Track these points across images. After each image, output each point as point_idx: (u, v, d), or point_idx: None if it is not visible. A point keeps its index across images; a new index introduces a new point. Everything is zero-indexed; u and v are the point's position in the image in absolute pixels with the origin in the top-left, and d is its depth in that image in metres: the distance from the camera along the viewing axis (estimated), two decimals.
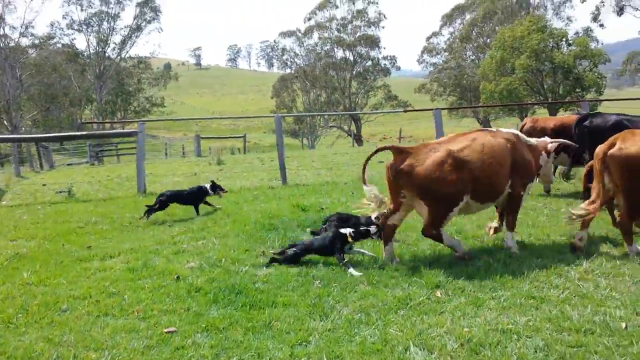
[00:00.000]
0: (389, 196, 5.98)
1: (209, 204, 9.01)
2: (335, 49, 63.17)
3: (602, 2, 36.78)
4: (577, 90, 39.80)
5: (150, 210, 8.58)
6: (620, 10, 35.82)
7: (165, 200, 8.71)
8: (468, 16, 61.64)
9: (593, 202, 5.90)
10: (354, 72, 62.23)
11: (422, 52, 66.75)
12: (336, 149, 35.11)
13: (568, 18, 58.21)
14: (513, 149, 6.00)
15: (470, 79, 56.94)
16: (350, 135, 53.22)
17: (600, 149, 5.91)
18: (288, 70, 69.62)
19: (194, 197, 8.87)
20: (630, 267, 5.36)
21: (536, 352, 3.75)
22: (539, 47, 37.70)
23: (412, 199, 5.78)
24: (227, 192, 9.64)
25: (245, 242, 6.79)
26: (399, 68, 68.71)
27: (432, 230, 5.73)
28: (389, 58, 65.06)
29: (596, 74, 39.26)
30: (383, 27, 62.81)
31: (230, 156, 27.59)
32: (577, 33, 48.29)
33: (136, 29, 60.54)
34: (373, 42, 62.52)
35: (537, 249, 6.13)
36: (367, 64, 63.58)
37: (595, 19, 37.58)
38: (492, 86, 40.80)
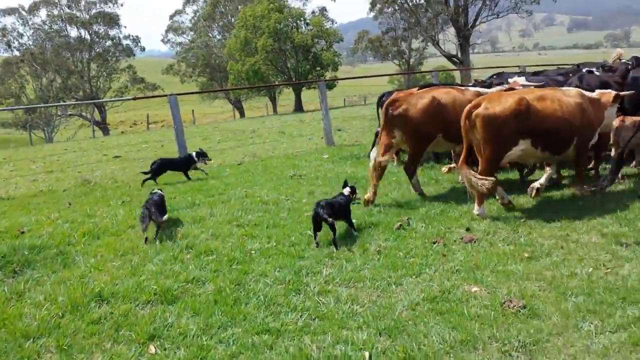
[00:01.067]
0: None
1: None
2: (69, 28, 56.64)
3: None
4: (317, 68, 42.31)
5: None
6: None
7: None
8: None
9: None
10: (93, 54, 56.61)
11: (167, 31, 64.00)
12: (73, 143, 31.20)
13: None
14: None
15: (219, 59, 56.47)
16: (93, 124, 48.17)
17: (467, 109, 6.44)
18: (16, 53, 60.20)
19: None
20: (371, 268, 4.96)
21: None
22: (278, 27, 38.79)
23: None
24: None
25: None
26: (143, 49, 64.55)
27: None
28: (131, 38, 60.73)
29: (332, 53, 42.09)
30: (122, 5, 58.12)
31: None
32: (313, 12, 51.38)
33: None
34: (112, 20, 57.64)
35: (275, 256, 5.40)
36: (107, 44, 58.52)
37: None
38: (238, 66, 40.83)
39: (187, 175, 9.74)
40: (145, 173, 9.64)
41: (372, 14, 57.61)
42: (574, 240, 5.30)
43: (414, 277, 4.74)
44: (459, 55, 40.22)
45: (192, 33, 62.60)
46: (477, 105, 6.35)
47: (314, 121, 22.62)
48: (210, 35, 61.00)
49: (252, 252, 5.55)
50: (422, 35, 44.89)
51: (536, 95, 6.46)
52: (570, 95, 6.59)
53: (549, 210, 6.34)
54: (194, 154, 9.86)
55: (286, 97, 56.13)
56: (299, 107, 43.63)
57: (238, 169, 10.63)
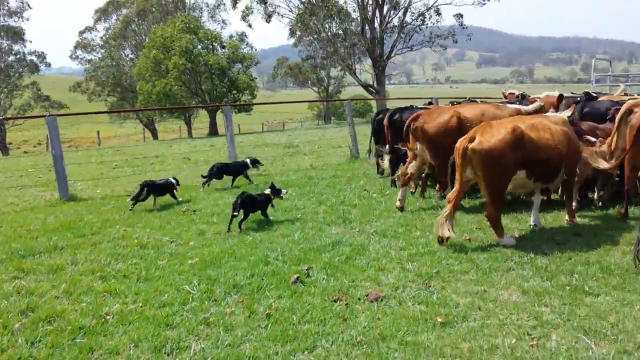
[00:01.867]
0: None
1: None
2: None
3: (251, 8, 38.69)
4: (234, 92, 41.22)
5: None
6: (268, 17, 38.33)
7: None
8: (125, 11, 58.53)
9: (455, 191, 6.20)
10: None
11: (76, 48, 60.61)
12: None
13: (223, 21, 60.58)
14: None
15: (130, 78, 54.01)
16: None
17: (460, 143, 6.08)
18: None
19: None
20: (255, 339, 3.98)
21: None
22: (189, 48, 37.46)
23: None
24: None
25: None
26: (49, 65, 60.86)
27: None
28: (37, 53, 57.01)
29: (249, 77, 41.22)
30: (28, 19, 54.46)
31: None
32: (232, 36, 50.46)
33: None
34: (16, 35, 53.92)
35: (137, 322, 4.29)
36: (10, 59, 54.58)
37: (244, 18, 39.20)
38: (149, 87, 38.93)
39: (247, 178, 10.65)
40: (204, 177, 10.28)
41: (292, 41, 57.71)
42: (493, 298, 4.59)
43: (306, 352, 3.81)
44: (375, 85, 40.61)
45: (102, 50, 59.76)
46: (471, 140, 6.00)
47: (225, 146, 21.49)
48: (123, 53, 58.51)
49: (108, 316, 4.41)
50: (340, 64, 45.02)
51: (528, 124, 6.26)
52: (557, 122, 6.52)
53: (464, 257, 5.66)
54: (248, 160, 10.67)
55: (203, 119, 54.54)
56: (213, 131, 42.19)
57: (124, 201, 9.34)
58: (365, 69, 43.60)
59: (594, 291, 4.61)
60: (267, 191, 7.61)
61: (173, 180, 9.19)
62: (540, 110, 8.17)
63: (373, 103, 45.54)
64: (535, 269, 5.21)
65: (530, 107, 8.36)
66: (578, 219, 6.92)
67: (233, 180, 10.52)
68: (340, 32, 40.47)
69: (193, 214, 8.26)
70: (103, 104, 55.66)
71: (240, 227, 7.10)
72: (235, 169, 10.59)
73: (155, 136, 52.39)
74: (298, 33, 52.32)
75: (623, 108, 7.30)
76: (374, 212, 7.85)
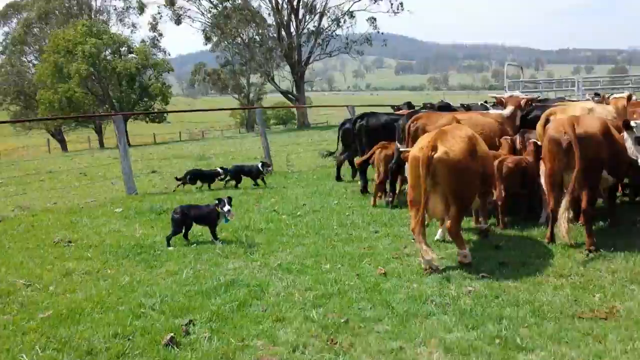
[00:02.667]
0: None
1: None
2: None
3: (160, 13, 36.83)
4: (145, 99, 39.07)
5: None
6: (178, 19, 36.61)
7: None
8: (26, 15, 54.44)
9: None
10: None
11: None
12: None
13: (133, 25, 57.70)
14: None
15: (33, 86, 50.14)
16: None
17: (422, 153, 5.39)
18: None
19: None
20: None
21: None
22: (93, 52, 35.04)
23: None
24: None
25: None
26: None
27: None
28: None
29: (161, 83, 39.23)
30: None
31: None
32: (143, 41, 47.97)
33: None
34: None
35: None
36: None
37: (154, 28, 37.29)
38: (50, 94, 36.05)
39: (256, 183, 10.93)
40: (221, 179, 10.99)
41: (208, 46, 55.90)
42: (412, 358, 3.74)
43: None
44: (295, 92, 39.86)
45: (2, 56, 55.30)
46: (434, 149, 5.40)
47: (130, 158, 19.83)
48: (25, 59, 54.41)
49: None
50: (257, 70, 43.92)
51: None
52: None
53: (377, 298, 4.81)
54: (259, 164, 10.95)
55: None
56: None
57: None
58: (284, 76, 42.79)
59: (527, 345, 3.85)
60: (213, 203, 6.87)
61: (220, 170, 10.86)
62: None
63: (298, 110, 44.75)
64: (459, 313, 4.42)
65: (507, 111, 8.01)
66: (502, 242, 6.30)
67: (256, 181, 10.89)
68: (257, 37, 39.39)
69: (66, 246, 6.95)
70: (5, 112, 51.41)
71: (168, 241, 6.72)
72: (250, 173, 10.94)
73: (64, 147, 48.90)
74: (215, 38, 50.74)
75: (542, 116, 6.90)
76: (282, 239, 6.89)
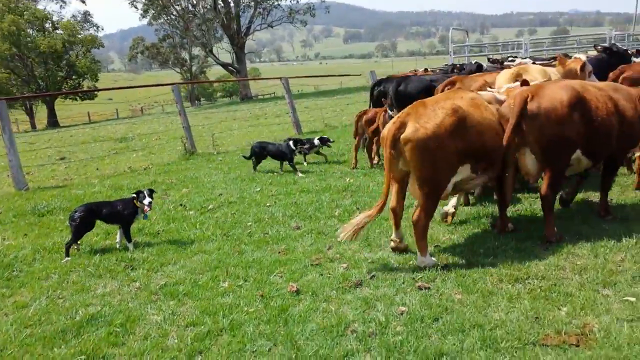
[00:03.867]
0: None
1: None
2: None
3: None
4: (74, 77, 36.33)
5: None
6: None
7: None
8: None
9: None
10: None
11: None
12: None
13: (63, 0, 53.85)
14: None
15: None
16: None
17: (388, 131, 4.51)
18: None
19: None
20: None
21: None
22: (13, 30, 32.06)
23: None
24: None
25: None
26: None
27: None
28: None
29: (89, 60, 36.52)
30: None
31: None
32: (74, 16, 44.60)
33: None
34: None
35: None
36: None
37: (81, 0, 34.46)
38: None
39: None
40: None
41: (145, 20, 52.74)
42: None
43: None
44: (235, 64, 37.90)
45: None
46: (402, 126, 4.45)
47: (45, 144, 17.93)
48: None
49: None
50: (194, 42, 41.56)
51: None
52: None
53: (280, 330, 3.59)
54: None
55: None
56: (53, 122, 36.93)
57: None
58: (223, 48, 40.67)
59: None
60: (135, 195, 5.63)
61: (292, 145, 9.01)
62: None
63: (240, 82, 42.69)
64: (385, 352, 3.25)
65: None
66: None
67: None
68: (190, 6, 37.05)
69: None
70: None
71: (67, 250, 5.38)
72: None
73: None
74: (152, 11, 47.79)
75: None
76: (178, 246, 5.55)
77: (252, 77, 33.26)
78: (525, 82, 5.51)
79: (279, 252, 5.14)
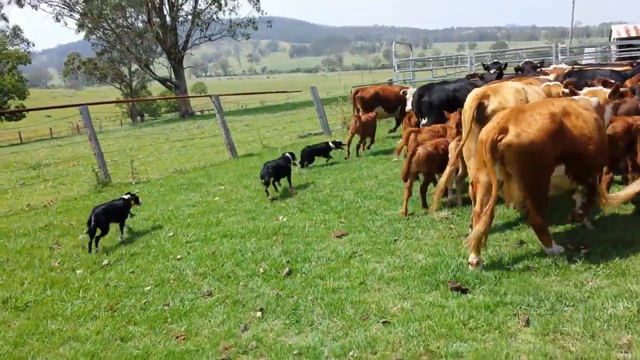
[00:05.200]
0: None
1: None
2: None
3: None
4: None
5: None
6: (19, 2, 31.83)
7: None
8: None
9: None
10: None
11: None
12: None
13: None
14: None
15: None
16: None
17: (487, 135, 4.44)
18: None
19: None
20: None
21: None
22: None
23: None
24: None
25: None
26: None
27: None
28: None
29: (15, 78, 34.03)
30: None
31: None
32: (2, 31, 41.72)
33: None
34: None
35: None
36: None
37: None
38: None
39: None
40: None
41: (82, 35, 50.17)
42: None
43: None
44: (174, 78, 36.17)
45: None
46: (503, 131, 4.40)
47: None
48: None
49: None
50: (128, 56, 39.54)
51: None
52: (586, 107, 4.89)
53: None
54: (330, 142, 10.25)
55: None
56: None
57: None
58: (160, 63, 38.85)
59: None
60: (126, 196, 6.67)
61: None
62: None
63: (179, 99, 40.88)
64: None
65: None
66: None
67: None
68: (122, 20, 35.15)
69: None
70: None
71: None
72: (321, 151, 10.33)
73: None
74: (89, 25, 45.40)
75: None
76: (46, 327, 4.18)
77: (181, 96, 31.42)
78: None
79: (177, 337, 3.86)
